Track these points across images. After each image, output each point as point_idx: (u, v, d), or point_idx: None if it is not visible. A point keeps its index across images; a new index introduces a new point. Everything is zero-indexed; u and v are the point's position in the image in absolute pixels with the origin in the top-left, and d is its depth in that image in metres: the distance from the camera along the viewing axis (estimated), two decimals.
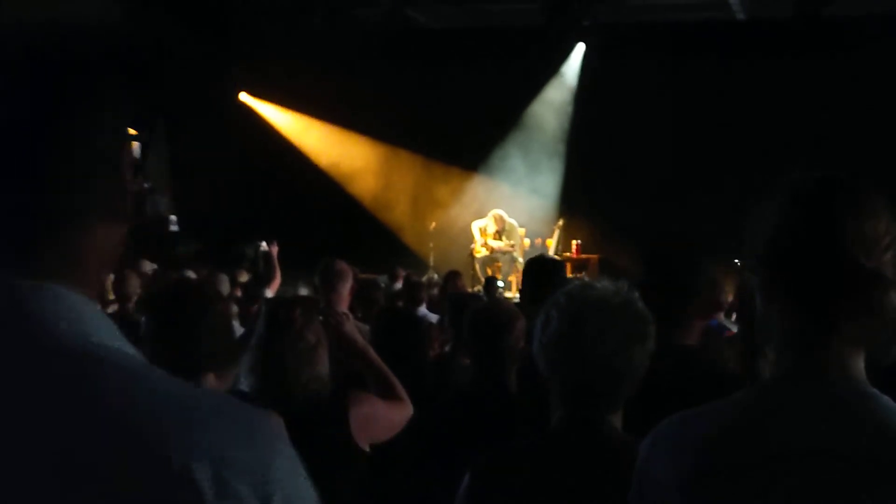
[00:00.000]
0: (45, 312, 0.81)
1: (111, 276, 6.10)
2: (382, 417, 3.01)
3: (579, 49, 14.10)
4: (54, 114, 0.84)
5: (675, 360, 2.41)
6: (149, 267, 7.59)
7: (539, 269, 4.23)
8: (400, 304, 7.25)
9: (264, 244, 12.50)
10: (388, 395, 3.14)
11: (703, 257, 4.05)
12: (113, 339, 0.83)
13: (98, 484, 0.72)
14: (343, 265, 4.72)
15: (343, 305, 4.55)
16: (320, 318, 3.12)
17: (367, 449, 2.93)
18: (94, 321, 0.84)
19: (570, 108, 14.26)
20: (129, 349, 0.84)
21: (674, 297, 4.29)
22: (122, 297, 6.01)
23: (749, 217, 1.38)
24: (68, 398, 0.75)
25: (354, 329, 3.44)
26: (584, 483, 1.83)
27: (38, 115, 0.83)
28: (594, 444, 1.87)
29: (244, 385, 2.87)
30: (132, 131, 0.93)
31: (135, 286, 6.01)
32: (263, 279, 8.71)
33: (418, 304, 7.27)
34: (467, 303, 4.41)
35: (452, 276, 8.33)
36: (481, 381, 3.13)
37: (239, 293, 7.85)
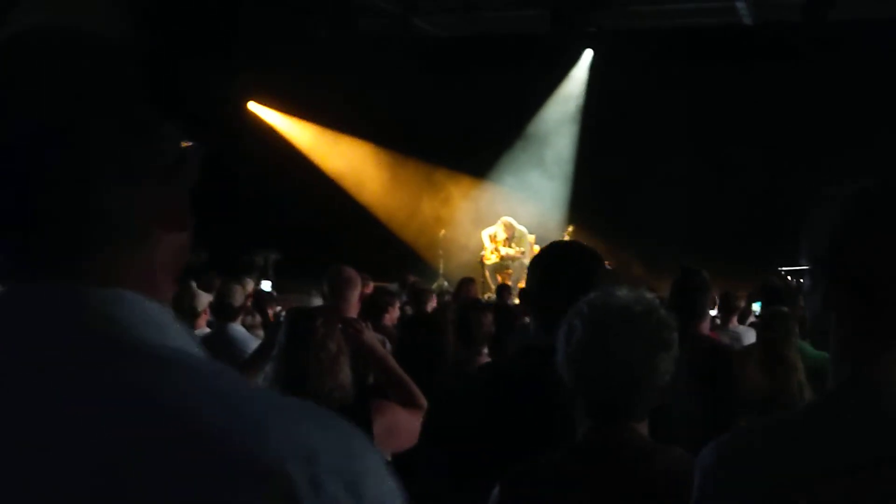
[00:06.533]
0: (129, 319, 0.79)
1: None
2: (404, 426, 3.02)
3: (587, 56, 14.11)
4: (102, 114, 0.81)
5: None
6: None
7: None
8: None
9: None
10: (409, 403, 3.15)
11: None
12: (192, 346, 0.83)
13: (193, 482, 0.71)
14: (351, 272, 4.65)
15: (352, 312, 4.45)
16: (340, 326, 3.13)
17: (389, 458, 2.94)
18: (174, 328, 0.83)
19: (578, 114, 14.28)
20: (205, 355, 0.83)
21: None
22: None
23: (810, 220, 1.36)
24: (159, 405, 0.74)
25: (374, 338, 3.45)
26: (614, 495, 1.83)
27: (86, 116, 0.81)
28: (623, 456, 1.86)
29: None
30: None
31: None
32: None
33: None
34: (471, 310, 4.38)
35: (465, 283, 8.32)
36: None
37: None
